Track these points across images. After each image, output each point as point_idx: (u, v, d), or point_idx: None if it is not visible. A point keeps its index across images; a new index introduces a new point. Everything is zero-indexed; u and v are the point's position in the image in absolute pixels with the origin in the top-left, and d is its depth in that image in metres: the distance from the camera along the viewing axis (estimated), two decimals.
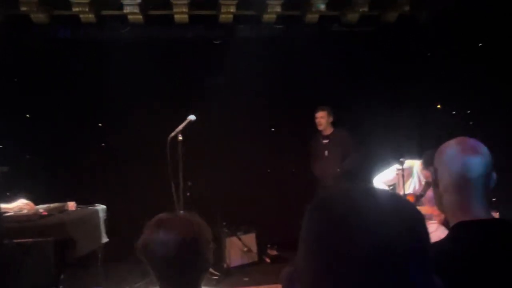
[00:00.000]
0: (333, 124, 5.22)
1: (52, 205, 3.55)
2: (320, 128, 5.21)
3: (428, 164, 3.74)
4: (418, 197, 3.91)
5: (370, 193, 0.60)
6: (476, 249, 1.18)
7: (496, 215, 3.39)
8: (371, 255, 0.53)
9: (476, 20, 4.65)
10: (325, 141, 5.20)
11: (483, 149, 1.33)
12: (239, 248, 5.26)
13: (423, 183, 3.89)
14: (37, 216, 3.22)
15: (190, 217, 1.48)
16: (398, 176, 3.79)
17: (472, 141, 1.35)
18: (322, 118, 5.16)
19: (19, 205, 3.37)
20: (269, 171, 5.72)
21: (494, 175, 1.33)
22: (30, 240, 3.01)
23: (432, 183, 1.41)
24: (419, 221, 0.59)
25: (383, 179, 4.07)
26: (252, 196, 5.46)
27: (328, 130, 5.21)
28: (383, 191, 0.63)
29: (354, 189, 0.62)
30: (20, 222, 3.15)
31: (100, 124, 5.48)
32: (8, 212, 3.30)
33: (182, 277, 1.42)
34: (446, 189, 1.34)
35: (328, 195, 0.64)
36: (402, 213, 0.58)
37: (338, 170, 5.00)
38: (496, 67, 4.36)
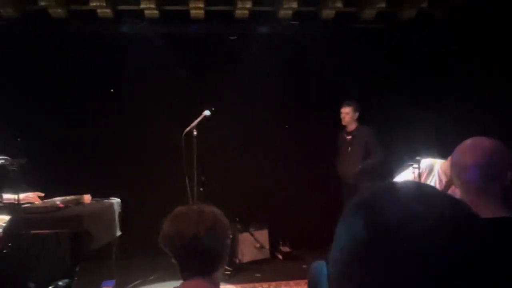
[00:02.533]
0: (358, 120, 5.10)
1: (68, 197, 3.61)
2: (344, 123, 5.10)
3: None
4: None
5: (424, 196, 0.54)
6: (488, 248, 1.17)
7: None
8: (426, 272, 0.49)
9: (496, 16, 4.56)
10: (349, 137, 5.10)
11: (497, 148, 1.33)
12: (251, 244, 5.27)
13: (444, 181, 3.84)
14: (54, 208, 3.28)
15: (207, 209, 1.57)
16: (415, 175, 3.74)
17: (486, 140, 1.35)
18: (347, 114, 5.04)
19: (26, 197, 3.43)
20: (282, 167, 5.70)
21: (510, 174, 1.33)
22: (47, 231, 3.07)
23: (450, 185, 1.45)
24: (479, 238, 0.54)
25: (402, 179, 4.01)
26: (265, 192, 5.46)
27: (352, 126, 5.09)
28: (438, 194, 0.57)
29: (405, 190, 0.56)
30: (37, 213, 3.21)
31: (115, 118, 5.53)
32: (27, 203, 3.36)
33: (201, 266, 1.51)
34: (460, 190, 1.39)
35: (376, 196, 0.57)
36: (464, 225, 0.53)
37: (359, 167, 4.91)
38: None
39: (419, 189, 0.57)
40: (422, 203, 0.53)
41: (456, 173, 1.38)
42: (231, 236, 1.60)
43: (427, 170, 3.73)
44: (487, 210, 1.28)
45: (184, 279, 1.53)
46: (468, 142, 1.40)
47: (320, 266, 1.58)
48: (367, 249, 0.52)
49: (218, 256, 1.54)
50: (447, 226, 0.51)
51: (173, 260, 1.54)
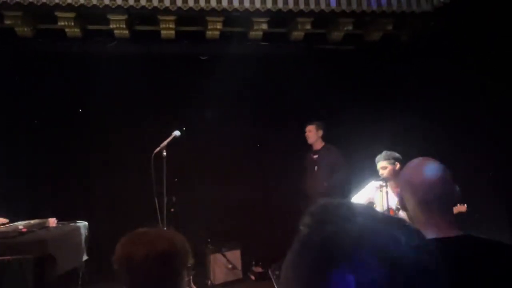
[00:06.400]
0: (324, 139, 5.18)
1: (32, 221, 3.49)
2: (309, 141, 5.17)
3: (388, 158, 3.80)
4: (396, 210, 3.92)
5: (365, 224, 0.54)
6: (446, 267, 1.20)
7: (463, 207, 3.47)
8: None
9: (458, 40, 4.78)
10: (315, 156, 5.16)
11: (443, 168, 1.39)
12: (223, 265, 5.20)
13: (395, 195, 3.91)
14: (16, 232, 3.15)
15: (165, 232, 1.48)
16: (381, 193, 3.81)
17: (430, 161, 1.41)
18: (310, 132, 5.13)
19: None
20: (254, 187, 5.70)
21: (457, 188, 1.40)
22: (9, 257, 2.94)
23: (401, 207, 1.46)
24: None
25: (362, 197, 4.06)
26: (237, 212, 5.43)
27: (318, 145, 5.16)
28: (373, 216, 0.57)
29: (347, 223, 0.54)
30: None
31: (83, 139, 5.41)
32: None
33: None
34: (414, 211, 1.40)
35: (321, 233, 0.55)
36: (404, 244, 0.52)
37: (325, 185, 4.96)
38: (477, 85, 4.48)
39: (365, 215, 0.56)
40: (369, 231, 0.53)
41: (411, 191, 1.39)
42: (189, 265, 1.47)
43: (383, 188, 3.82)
44: (441, 228, 1.33)
45: None
46: (417, 164, 1.43)
47: None
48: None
49: (175, 284, 1.41)
50: (394, 251, 0.51)
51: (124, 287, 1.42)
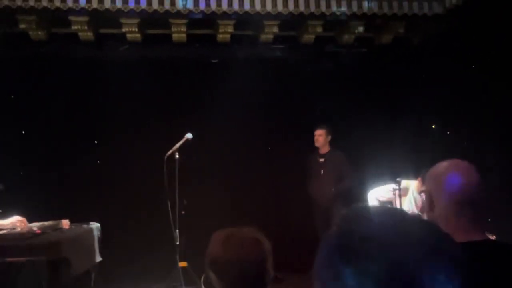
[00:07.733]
0: (331, 143, 5.23)
1: (46, 223, 3.52)
2: (317, 145, 5.22)
3: None
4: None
5: (401, 227, 0.55)
6: (473, 272, 1.18)
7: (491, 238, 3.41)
8: None
9: (469, 42, 4.74)
10: (321, 159, 5.20)
11: (476, 171, 1.36)
12: None
13: (418, 203, 3.88)
14: (30, 234, 3.18)
15: (256, 234, 1.52)
16: (395, 196, 3.79)
17: (465, 164, 1.38)
18: (320, 136, 5.18)
19: (13, 221, 3.33)
20: (265, 190, 5.69)
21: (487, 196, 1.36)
22: (23, 259, 2.97)
23: (427, 207, 1.41)
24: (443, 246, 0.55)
25: (377, 195, 4.07)
26: (248, 215, 5.42)
27: (325, 149, 5.21)
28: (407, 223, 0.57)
29: (381, 221, 0.55)
30: (13, 240, 3.11)
31: (96, 142, 5.47)
32: (1, 229, 3.26)
33: None
34: (443, 212, 1.35)
35: (354, 235, 0.55)
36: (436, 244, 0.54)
37: (333, 190, 4.97)
38: (488, 88, 4.43)
39: (395, 219, 0.57)
40: (400, 235, 0.54)
41: (445, 192, 1.35)
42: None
43: (402, 192, 3.79)
44: (469, 232, 1.30)
45: None
46: (452, 165, 1.40)
47: None
48: None
49: (266, 283, 1.48)
50: (428, 256, 0.52)
51: (217, 284, 1.47)
